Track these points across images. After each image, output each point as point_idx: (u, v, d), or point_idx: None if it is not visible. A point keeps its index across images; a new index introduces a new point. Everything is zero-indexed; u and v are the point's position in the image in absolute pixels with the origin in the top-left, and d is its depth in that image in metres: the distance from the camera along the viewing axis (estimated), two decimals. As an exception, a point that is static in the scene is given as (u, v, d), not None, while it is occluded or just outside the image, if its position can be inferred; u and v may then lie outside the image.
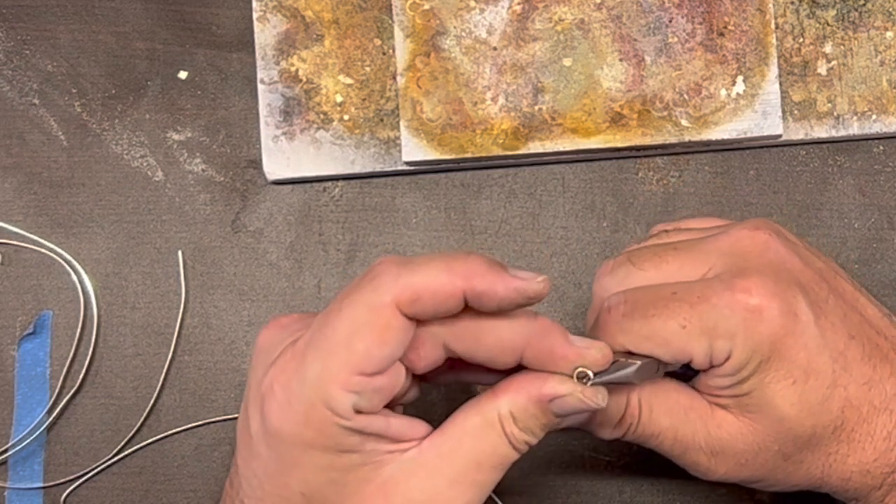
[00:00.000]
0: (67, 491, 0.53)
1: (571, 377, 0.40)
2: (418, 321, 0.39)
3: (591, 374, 0.39)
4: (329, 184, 0.54)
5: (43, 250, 0.54)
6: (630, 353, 0.42)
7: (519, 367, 0.40)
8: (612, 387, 0.41)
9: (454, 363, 0.42)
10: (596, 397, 0.40)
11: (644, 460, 0.52)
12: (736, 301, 0.40)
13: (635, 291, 0.42)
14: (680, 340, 0.41)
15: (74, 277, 0.54)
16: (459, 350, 0.40)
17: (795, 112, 0.52)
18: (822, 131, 0.52)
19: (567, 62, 0.51)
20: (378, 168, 0.53)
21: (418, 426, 0.40)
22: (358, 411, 0.38)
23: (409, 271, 0.38)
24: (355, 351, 0.37)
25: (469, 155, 0.51)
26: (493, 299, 0.39)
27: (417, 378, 0.42)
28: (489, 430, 0.40)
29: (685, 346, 0.41)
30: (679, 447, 0.43)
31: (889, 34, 0.52)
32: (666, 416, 0.43)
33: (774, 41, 0.51)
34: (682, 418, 0.43)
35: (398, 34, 0.52)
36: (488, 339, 0.39)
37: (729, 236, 0.43)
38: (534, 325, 0.40)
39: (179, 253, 0.54)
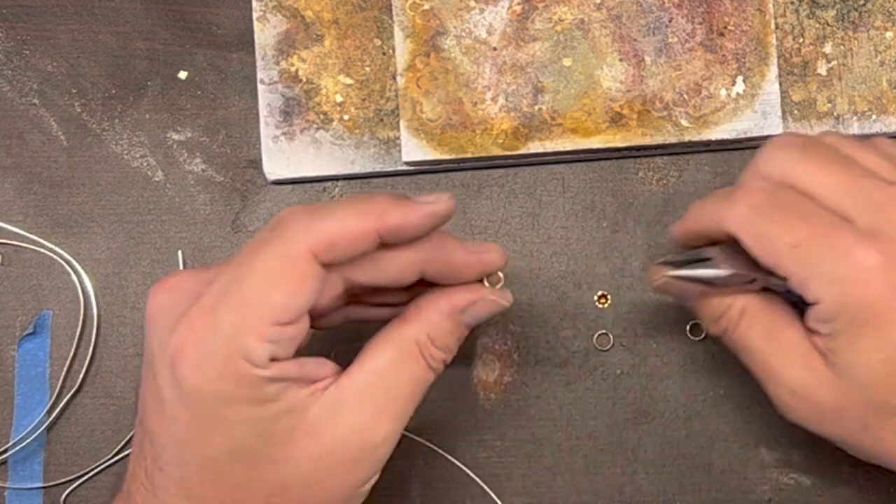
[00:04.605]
0: (67, 491, 0.53)
1: (477, 283, 0.43)
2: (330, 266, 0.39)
3: (674, 272, 0.42)
4: (329, 184, 0.54)
5: (43, 250, 0.54)
6: (740, 251, 0.42)
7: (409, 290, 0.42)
8: (715, 287, 0.42)
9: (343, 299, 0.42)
10: (503, 298, 0.43)
11: (644, 461, 0.52)
12: (852, 253, 0.39)
13: (781, 190, 0.41)
14: (784, 257, 0.40)
15: (74, 277, 0.54)
16: (360, 279, 0.41)
17: (795, 112, 0.52)
18: (822, 131, 0.52)
19: (567, 62, 0.51)
20: (378, 168, 0.53)
21: (327, 364, 0.41)
22: (273, 360, 0.39)
23: (321, 218, 0.39)
24: (271, 302, 0.38)
25: (469, 155, 0.51)
26: (409, 230, 0.40)
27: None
28: (407, 359, 0.41)
29: (785, 265, 0.40)
30: (765, 374, 0.43)
31: (889, 34, 0.52)
32: (761, 339, 0.43)
33: (774, 41, 0.51)
34: (776, 348, 0.42)
35: (398, 34, 0.52)
36: (388, 263, 0.41)
37: None
38: (427, 243, 0.41)
39: (179, 253, 0.54)
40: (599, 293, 0.52)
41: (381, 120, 0.53)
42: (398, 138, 0.52)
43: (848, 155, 0.43)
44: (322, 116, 0.53)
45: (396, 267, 0.41)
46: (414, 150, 0.51)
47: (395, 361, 0.41)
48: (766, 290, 0.43)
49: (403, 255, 0.41)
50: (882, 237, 0.40)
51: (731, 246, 0.43)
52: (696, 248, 0.45)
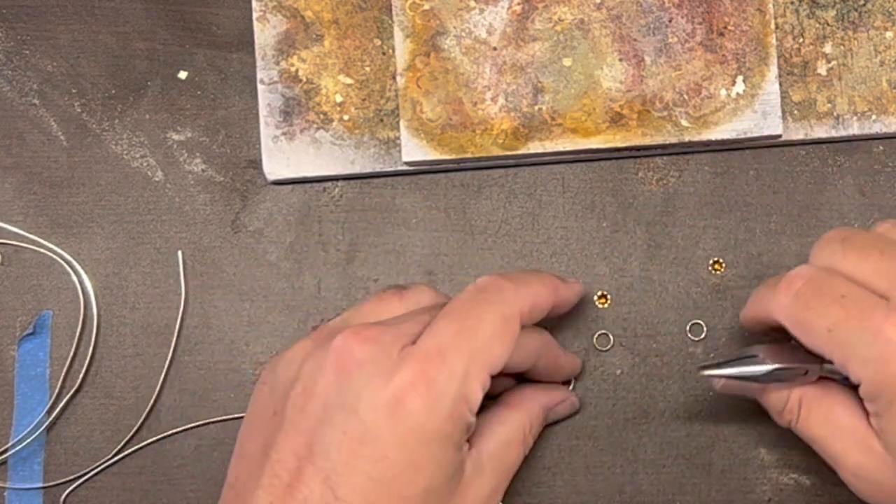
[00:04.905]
0: (67, 491, 0.53)
1: (564, 386, 0.51)
2: None
3: (716, 372, 0.44)
4: (329, 184, 0.54)
5: (43, 250, 0.54)
6: (791, 342, 0.44)
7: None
8: (767, 383, 0.44)
9: None
10: (577, 402, 0.51)
11: (644, 461, 0.52)
12: (882, 331, 0.40)
13: (818, 276, 0.43)
14: (822, 341, 0.41)
15: (74, 277, 0.54)
16: None
17: (795, 112, 0.52)
18: (822, 131, 0.52)
19: (567, 62, 0.51)
20: (378, 168, 0.53)
21: None
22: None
23: (524, 286, 0.45)
24: (494, 353, 0.43)
25: (469, 155, 0.51)
26: (565, 305, 0.48)
27: None
28: (515, 441, 0.46)
29: (825, 349, 0.41)
30: (830, 460, 0.44)
31: (889, 34, 0.52)
32: (821, 427, 0.43)
33: (774, 41, 0.51)
34: (835, 434, 0.43)
35: (398, 34, 0.52)
36: (521, 351, 0.45)
37: None
38: (545, 337, 0.48)
39: (179, 253, 0.54)
40: (599, 293, 0.52)
41: (381, 120, 0.53)
42: (398, 138, 0.52)
43: (881, 233, 0.44)
44: (322, 116, 0.53)
45: (526, 351, 0.46)
46: (414, 150, 0.51)
47: (508, 441, 0.46)
48: (826, 378, 0.44)
49: (532, 341, 0.46)
50: None
51: (787, 336, 0.44)
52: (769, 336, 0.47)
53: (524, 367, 0.47)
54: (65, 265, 0.54)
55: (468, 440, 0.44)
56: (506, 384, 0.49)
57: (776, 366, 0.44)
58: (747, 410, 0.51)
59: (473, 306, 0.43)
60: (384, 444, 0.41)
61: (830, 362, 0.42)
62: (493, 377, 0.44)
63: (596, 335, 0.52)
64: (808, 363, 0.43)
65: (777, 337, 0.46)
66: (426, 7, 0.52)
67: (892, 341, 0.39)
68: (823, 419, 0.43)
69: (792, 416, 0.45)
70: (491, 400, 0.49)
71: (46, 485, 0.53)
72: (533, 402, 0.48)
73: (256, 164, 0.54)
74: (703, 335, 0.52)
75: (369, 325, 0.43)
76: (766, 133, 0.51)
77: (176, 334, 0.53)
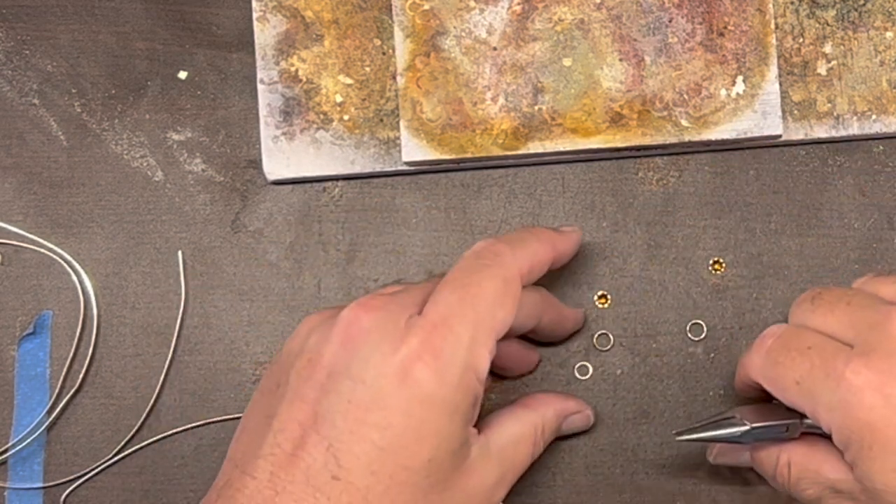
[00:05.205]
0: (67, 491, 0.53)
1: (580, 399, 0.51)
2: None
3: (691, 437, 0.44)
4: (329, 184, 0.54)
5: (43, 250, 0.54)
6: (773, 401, 0.44)
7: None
8: (764, 443, 0.45)
9: None
10: (591, 417, 0.51)
11: (644, 461, 0.52)
12: (843, 377, 0.40)
13: (788, 331, 0.44)
14: (793, 394, 0.42)
15: (74, 277, 0.54)
16: None
17: (795, 112, 0.52)
18: (821, 131, 0.52)
19: (567, 62, 0.51)
20: (378, 168, 0.53)
21: None
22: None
23: (521, 247, 0.44)
24: (497, 318, 0.42)
25: (469, 155, 0.51)
26: (565, 257, 0.47)
27: None
28: (526, 439, 0.46)
29: (796, 402, 0.42)
30: None
31: (889, 34, 0.52)
32: (812, 487, 0.43)
33: (774, 41, 0.51)
34: (827, 492, 0.43)
35: (398, 34, 0.52)
36: (524, 311, 0.45)
37: None
38: (544, 293, 0.48)
39: (179, 253, 0.54)
40: (599, 293, 0.52)
41: (381, 120, 0.53)
42: (398, 138, 0.52)
43: (867, 293, 0.44)
44: (322, 116, 0.53)
45: (528, 310, 0.46)
46: (414, 150, 0.51)
47: (519, 437, 0.46)
48: (812, 435, 0.44)
49: (533, 299, 0.46)
50: (875, 354, 0.40)
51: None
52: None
53: (529, 325, 0.47)
54: (65, 265, 0.54)
55: (477, 427, 0.44)
56: (532, 358, 0.51)
57: (752, 425, 0.43)
58: (747, 410, 0.51)
59: (473, 272, 0.43)
60: (391, 412, 0.40)
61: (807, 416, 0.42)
62: (511, 347, 0.45)
63: (596, 335, 0.52)
64: (788, 419, 0.44)
65: (766, 398, 0.46)
66: (426, 7, 0.52)
67: (854, 386, 0.40)
68: (813, 479, 0.43)
69: (783, 478, 0.45)
70: (506, 380, 0.51)
71: (46, 485, 0.53)
72: (547, 406, 0.48)
73: (256, 164, 0.54)
74: (703, 335, 0.52)
75: (375, 295, 0.43)
76: (766, 133, 0.51)
77: (176, 334, 0.53)
